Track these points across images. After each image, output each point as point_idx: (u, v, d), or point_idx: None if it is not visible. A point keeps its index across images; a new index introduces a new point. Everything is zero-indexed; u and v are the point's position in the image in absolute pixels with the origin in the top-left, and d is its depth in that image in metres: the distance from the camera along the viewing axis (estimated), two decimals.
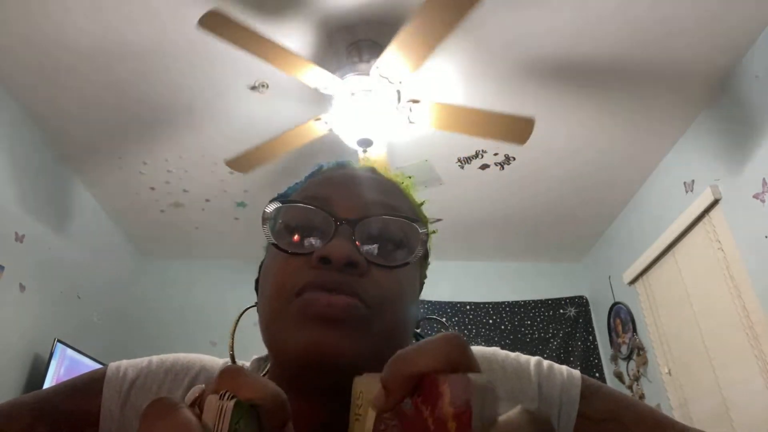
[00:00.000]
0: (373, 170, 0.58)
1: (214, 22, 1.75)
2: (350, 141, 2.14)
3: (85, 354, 2.85)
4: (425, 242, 0.50)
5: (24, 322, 2.55)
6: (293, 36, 2.13)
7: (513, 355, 0.57)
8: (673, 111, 2.56)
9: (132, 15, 2.02)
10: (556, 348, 3.60)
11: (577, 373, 0.55)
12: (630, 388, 3.20)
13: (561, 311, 3.73)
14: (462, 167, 2.94)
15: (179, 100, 2.45)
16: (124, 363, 0.56)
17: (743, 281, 2.32)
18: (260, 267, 0.55)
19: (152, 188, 3.08)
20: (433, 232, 0.59)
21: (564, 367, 0.56)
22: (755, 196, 2.24)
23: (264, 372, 0.54)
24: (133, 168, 2.91)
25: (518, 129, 2.17)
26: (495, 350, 0.57)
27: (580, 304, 3.75)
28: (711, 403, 2.51)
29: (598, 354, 3.60)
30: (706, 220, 2.56)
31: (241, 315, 0.54)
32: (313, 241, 0.48)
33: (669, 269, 2.88)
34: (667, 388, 2.88)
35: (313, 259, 0.46)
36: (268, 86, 2.37)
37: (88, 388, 0.53)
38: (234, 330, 0.52)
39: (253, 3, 2.00)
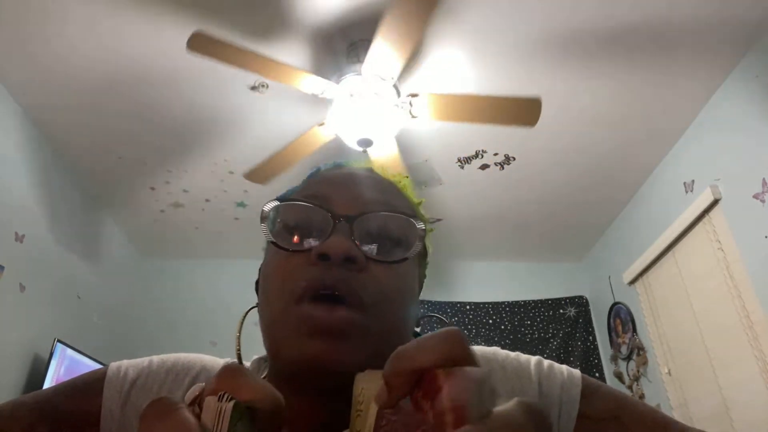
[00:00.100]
0: (371, 170, 0.58)
1: (199, 44, 1.83)
2: (351, 142, 2.14)
3: (85, 354, 2.85)
4: (423, 238, 0.50)
5: (24, 322, 2.54)
6: (290, 47, 2.15)
7: (513, 354, 0.57)
8: (673, 110, 2.56)
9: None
10: (556, 348, 3.60)
11: (577, 372, 0.55)
12: (630, 388, 3.20)
13: (561, 311, 3.73)
14: (462, 167, 2.94)
15: (180, 102, 2.46)
16: (125, 363, 0.56)
17: (743, 281, 2.31)
18: (260, 269, 0.55)
19: (152, 188, 3.08)
20: (431, 230, 0.60)
21: (564, 367, 0.56)
22: (755, 196, 2.24)
23: (264, 373, 0.54)
24: (133, 168, 2.91)
25: (525, 111, 2.08)
26: (495, 350, 0.57)
27: (580, 304, 3.74)
28: (711, 403, 2.51)
29: (598, 354, 3.60)
30: (706, 220, 2.56)
31: (245, 315, 0.54)
32: (312, 240, 0.48)
33: (669, 269, 2.88)
34: (667, 388, 2.87)
35: (311, 256, 0.46)
36: (268, 86, 2.37)
37: (88, 388, 0.53)
38: (240, 329, 0.52)
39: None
